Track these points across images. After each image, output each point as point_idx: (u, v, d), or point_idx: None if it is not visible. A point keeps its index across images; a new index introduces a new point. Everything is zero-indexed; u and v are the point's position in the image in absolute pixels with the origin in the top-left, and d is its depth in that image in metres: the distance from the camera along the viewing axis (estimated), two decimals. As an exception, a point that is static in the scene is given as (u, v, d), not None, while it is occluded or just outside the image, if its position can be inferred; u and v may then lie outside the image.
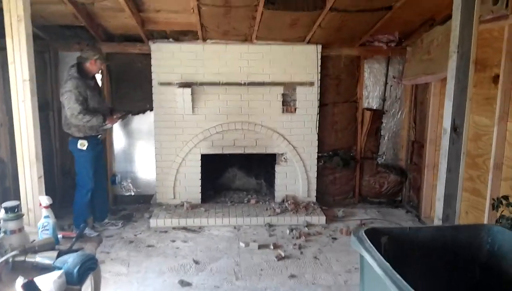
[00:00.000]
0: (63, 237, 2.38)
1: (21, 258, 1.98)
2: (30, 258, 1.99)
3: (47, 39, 4.66)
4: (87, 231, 4.26)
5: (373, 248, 1.62)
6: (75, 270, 1.87)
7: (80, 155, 4.16)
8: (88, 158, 4.18)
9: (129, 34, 4.66)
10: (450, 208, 2.74)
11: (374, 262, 1.53)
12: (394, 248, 1.85)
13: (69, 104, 3.92)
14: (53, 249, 2.14)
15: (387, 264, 1.48)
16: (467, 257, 1.95)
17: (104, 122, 4.12)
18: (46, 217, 2.26)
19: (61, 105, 4.13)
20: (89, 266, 1.98)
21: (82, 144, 4.09)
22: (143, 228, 4.54)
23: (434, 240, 1.93)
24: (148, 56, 4.78)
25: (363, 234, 1.77)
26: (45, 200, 2.27)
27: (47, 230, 2.25)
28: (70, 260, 1.92)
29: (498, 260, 2.02)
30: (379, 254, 1.55)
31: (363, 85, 5.21)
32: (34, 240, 2.23)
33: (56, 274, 1.81)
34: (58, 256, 2.00)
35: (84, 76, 4.10)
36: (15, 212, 2.13)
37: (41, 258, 1.99)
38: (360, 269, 1.86)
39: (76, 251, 2.15)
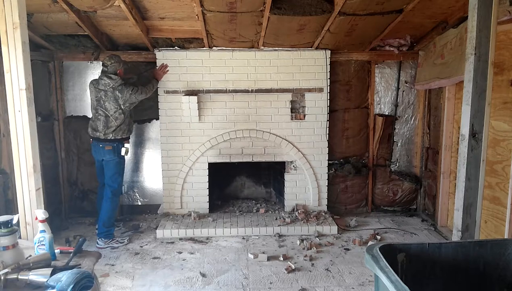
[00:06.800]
0: (61, 252, 2.28)
1: (14, 276, 1.88)
2: (23, 276, 1.89)
3: (52, 49, 4.62)
4: (119, 239, 4.30)
5: (389, 267, 1.47)
6: (69, 290, 1.76)
7: (120, 161, 4.28)
8: (124, 162, 4.36)
9: (134, 43, 4.60)
10: (469, 218, 2.57)
11: (390, 284, 1.38)
12: (412, 266, 1.69)
13: (141, 94, 4.27)
14: (49, 265, 2.05)
15: (405, 287, 1.33)
16: (494, 277, 1.77)
17: (158, 82, 4.60)
18: (42, 231, 2.17)
19: (107, 113, 4.17)
20: (85, 285, 1.86)
21: (127, 151, 4.26)
22: (149, 239, 4.44)
23: (456, 258, 1.75)
24: (153, 64, 4.71)
25: (378, 251, 1.62)
26: (41, 214, 2.18)
27: (43, 244, 2.16)
28: (64, 278, 1.81)
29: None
30: (396, 276, 1.40)
31: (374, 90, 5.07)
32: (30, 256, 2.14)
33: (49, 294, 1.71)
34: (53, 273, 1.90)
35: None
36: (8, 227, 2.03)
37: (35, 276, 1.89)
38: (375, 289, 1.71)
39: (72, 267, 2.04)
